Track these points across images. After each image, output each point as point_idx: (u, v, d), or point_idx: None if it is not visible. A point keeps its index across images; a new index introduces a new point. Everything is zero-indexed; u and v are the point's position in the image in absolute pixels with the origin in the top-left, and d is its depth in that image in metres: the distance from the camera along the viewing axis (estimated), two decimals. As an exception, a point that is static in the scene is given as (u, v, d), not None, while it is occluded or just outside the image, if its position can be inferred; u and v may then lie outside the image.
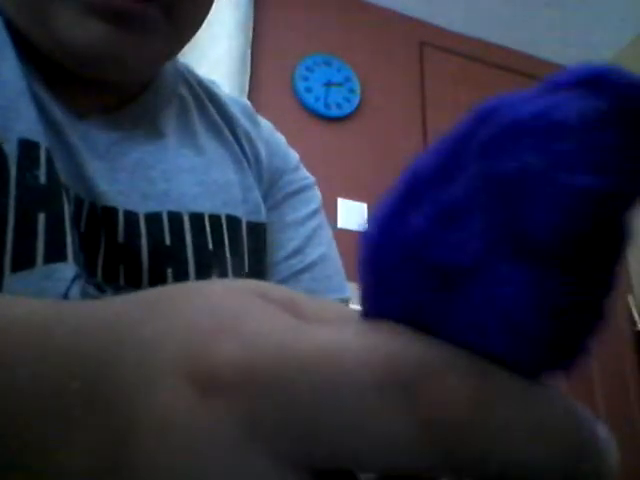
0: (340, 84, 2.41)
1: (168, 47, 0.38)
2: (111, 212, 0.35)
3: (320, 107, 2.34)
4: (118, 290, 0.34)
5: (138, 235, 0.36)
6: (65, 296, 0.30)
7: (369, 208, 2.26)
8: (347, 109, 2.38)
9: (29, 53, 0.35)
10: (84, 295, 0.32)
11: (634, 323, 2.50)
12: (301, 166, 0.51)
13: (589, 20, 2.69)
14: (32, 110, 0.33)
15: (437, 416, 0.10)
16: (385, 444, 0.11)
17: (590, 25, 2.72)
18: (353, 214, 2.22)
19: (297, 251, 0.45)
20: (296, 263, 0.44)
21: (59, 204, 0.31)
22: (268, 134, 0.50)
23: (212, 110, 0.46)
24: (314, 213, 0.48)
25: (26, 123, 0.32)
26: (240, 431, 0.11)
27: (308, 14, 2.46)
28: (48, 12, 0.33)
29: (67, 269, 0.30)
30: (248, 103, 0.52)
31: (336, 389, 0.11)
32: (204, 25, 0.41)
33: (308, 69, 2.38)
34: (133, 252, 0.35)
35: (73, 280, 0.31)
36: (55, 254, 0.30)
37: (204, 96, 0.47)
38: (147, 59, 0.37)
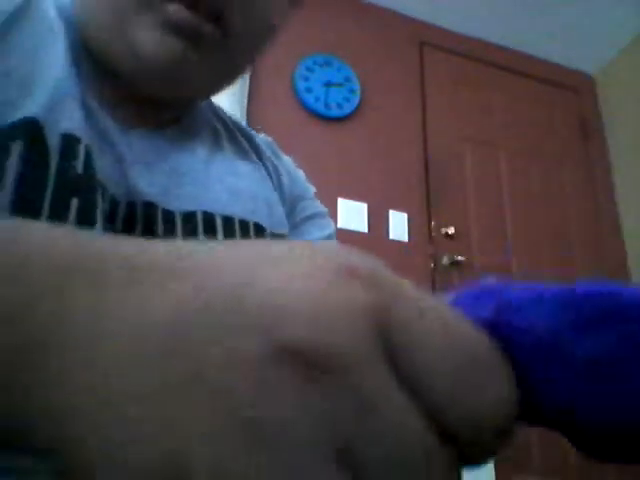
0: (340, 84, 2.41)
1: (220, 73, 0.42)
2: (151, 207, 0.38)
3: (320, 107, 2.34)
4: None
5: (173, 232, 0.39)
6: None
7: (369, 208, 2.26)
8: (347, 109, 2.38)
9: (87, 62, 0.38)
10: None
11: (634, 323, 2.50)
12: (316, 198, 0.56)
13: (589, 20, 2.69)
14: (78, 111, 0.35)
15: None
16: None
17: (590, 25, 2.72)
18: (353, 214, 2.22)
19: None
20: None
21: (92, 193, 0.34)
22: (290, 167, 0.55)
23: (241, 139, 0.51)
24: (329, 237, 0.53)
25: (71, 121, 0.34)
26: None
27: (308, 14, 2.46)
28: (129, 26, 0.36)
29: None
30: (272, 140, 0.56)
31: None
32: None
33: (308, 69, 2.38)
34: None
35: None
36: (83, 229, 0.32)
37: (234, 128, 0.52)
38: (202, 79, 0.41)
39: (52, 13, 0.37)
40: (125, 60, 0.37)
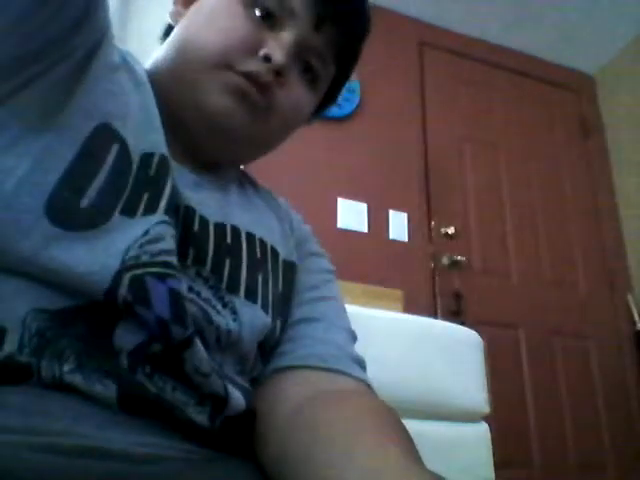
0: (340, 84, 2.41)
1: (256, 137, 0.53)
2: (190, 211, 0.47)
3: (320, 107, 2.34)
4: (184, 269, 0.44)
5: (207, 233, 0.48)
6: (146, 231, 0.40)
7: (369, 208, 2.26)
8: (347, 109, 2.39)
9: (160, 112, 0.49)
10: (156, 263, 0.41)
11: (634, 323, 2.50)
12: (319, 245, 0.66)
13: (589, 20, 2.69)
14: (157, 142, 0.46)
15: None
16: None
17: (590, 25, 2.72)
18: (353, 214, 2.22)
19: (314, 287, 0.58)
20: (314, 293, 0.57)
21: (161, 187, 0.43)
22: (299, 219, 0.65)
23: (261, 191, 0.63)
24: (329, 272, 0.62)
25: (151, 145, 0.45)
26: None
27: (308, 14, 2.46)
28: (199, 83, 0.49)
29: (155, 218, 0.42)
30: (286, 199, 0.68)
31: None
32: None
33: (308, 69, 2.38)
34: (203, 240, 0.47)
35: (158, 223, 0.41)
36: (150, 211, 0.42)
37: (256, 184, 0.64)
38: (244, 137, 0.52)
39: (139, 70, 0.50)
40: (189, 109, 0.50)
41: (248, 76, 0.49)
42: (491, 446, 1.02)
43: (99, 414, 0.35)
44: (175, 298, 0.39)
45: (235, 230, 0.51)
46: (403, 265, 2.22)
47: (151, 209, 0.42)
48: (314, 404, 0.43)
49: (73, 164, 0.39)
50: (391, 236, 2.25)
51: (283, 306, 0.53)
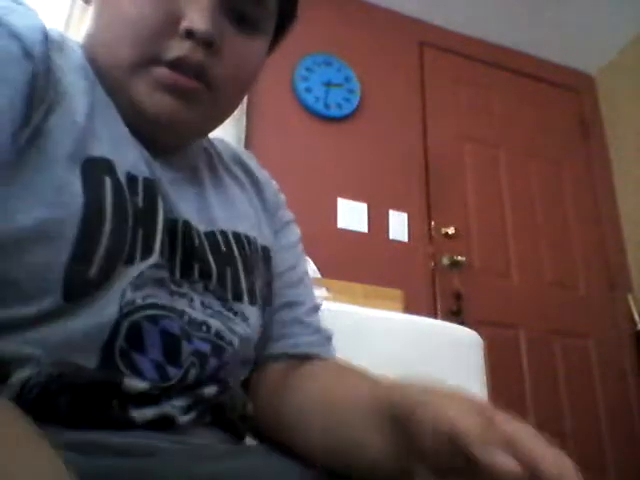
0: (340, 84, 2.41)
1: (209, 119, 0.50)
2: (187, 225, 0.46)
3: (320, 107, 2.34)
4: (192, 284, 0.45)
5: (204, 245, 0.48)
6: (141, 274, 0.40)
7: (369, 208, 2.26)
8: (347, 109, 2.39)
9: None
10: (160, 283, 0.42)
11: (634, 323, 2.50)
12: (287, 207, 0.66)
13: (589, 20, 2.69)
14: (134, 149, 0.44)
15: None
16: None
17: (590, 25, 2.72)
18: (353, 214, 2.22)
19: (292, 267, 0.59)
20: (293, 275, 0.59)
21: (152, 220, 0.43)
22: (274, 187, 0.64)
23: (234, 167, 0.60)
24: (298, 241, 0.63)
25: (132, 160, 0.43)
26: None
27: (308, 14, 2.46)
28: (128, 85, 0.43)
29: (151, 260, 0.41)
30: (259, 164, 0.67)
31: None
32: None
33: (308, 69, 2.38)
34: (203, 253, 0.47)
35: (150, 267, 0.41)
36: (147, 254, 0.41)
37: (228, 159, 0.60)
38: (195, 126, 0.48)
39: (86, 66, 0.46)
40: (128, 112, 0.45)
41: (177, 64, 0.43)
42: (491, 446, 1.02)
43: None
44: (168, 340, 0.40)
45: (224, 234, 0.51)
46: (403, 265, 2.22)
47: (148, 252, 0.41)
48: (295, 378, 0.50)
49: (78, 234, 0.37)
50: (391, 236, 2.25)
51: (267, 293, 0.55)
